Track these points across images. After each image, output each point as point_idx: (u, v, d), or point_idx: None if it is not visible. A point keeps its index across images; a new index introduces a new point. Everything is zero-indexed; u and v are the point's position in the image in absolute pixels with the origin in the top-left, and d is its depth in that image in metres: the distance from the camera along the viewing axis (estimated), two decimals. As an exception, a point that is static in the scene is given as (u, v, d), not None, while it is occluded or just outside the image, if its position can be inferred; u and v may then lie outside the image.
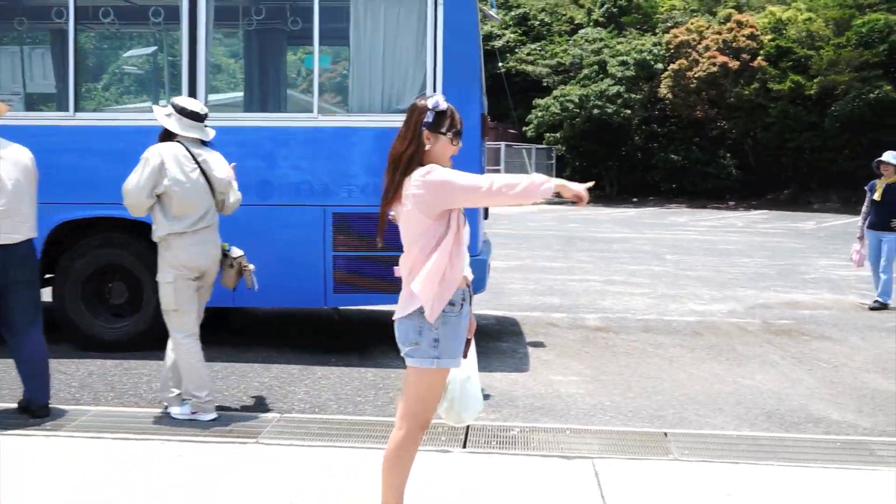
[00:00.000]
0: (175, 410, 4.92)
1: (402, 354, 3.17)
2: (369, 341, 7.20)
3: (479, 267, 6.14)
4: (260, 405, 5.37)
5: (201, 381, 4.89)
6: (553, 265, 12.84)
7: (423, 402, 3.17)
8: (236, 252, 5.16)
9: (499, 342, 7.29)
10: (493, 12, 7.59)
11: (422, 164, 3.08)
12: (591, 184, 3.16)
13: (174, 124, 4.94)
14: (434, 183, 3.02)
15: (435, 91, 6.36)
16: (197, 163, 4.91)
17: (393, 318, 3.19)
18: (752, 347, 7.36)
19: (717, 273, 12.32)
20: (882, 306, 9.44)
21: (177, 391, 5.03)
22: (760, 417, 5.33)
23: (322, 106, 6.86)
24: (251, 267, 5.20)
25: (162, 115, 5.00)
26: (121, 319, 6.71)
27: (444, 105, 3.13)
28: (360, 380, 5.98)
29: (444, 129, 3.11)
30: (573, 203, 3.20)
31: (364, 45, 6.56)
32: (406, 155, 3.09)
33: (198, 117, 4.99)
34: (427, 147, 3.09)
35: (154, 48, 8.32)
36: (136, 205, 4.84)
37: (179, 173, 4.83)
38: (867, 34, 28.66)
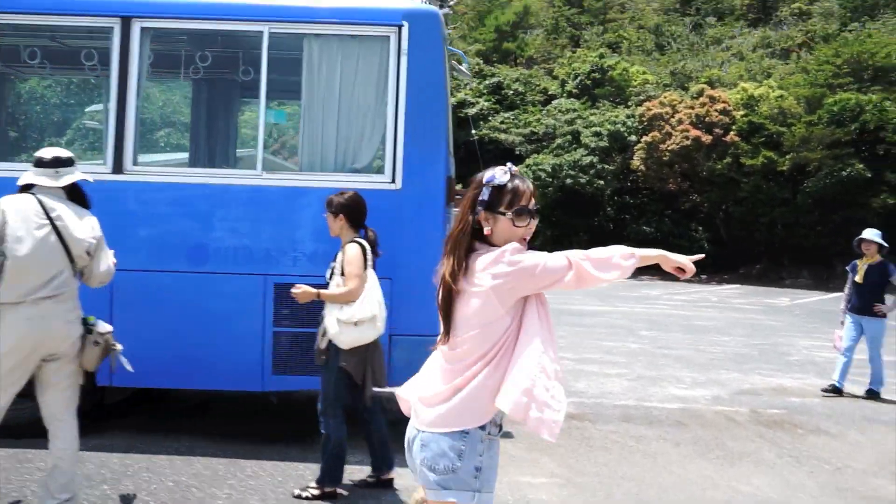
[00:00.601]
0: None
1: (422, 482, 2.44)
2: (312, 427, 6.31)
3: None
4: (172, 512, 4.49)
5: None
6: (523, 340, 12.05)
7: None
8: (103, 328, 4.30)
9: (461, 432, 6.45)
10: (463, 67, 6.96)
11: (482, 242, 2.46)
12: (699, 256, 2.55)
13: (26, 175, 4.19)
14: (526, 269, 2.39)
15: (396, 148, 5.69)
16: (49, 218, 4.09)
17: (418, 428, 2.47)
18: (743, 442, 6.61)
19: (696, 352, 11.61)
20: (874, 395, 8.80)
21: (63, 496, 4.18)
22: (764, 537, 4.56)
23: (272, 162, 6.16)
24: (119, 347, 4.35)
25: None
26: (23, 399, 5.78)
27: (501, 178, 2.51)
28: (296, 479, 5.12)
29: (502, 209, 2.48)
30: (674, 277, 2.51)
31: (317, 97, 5.87)
32: (454, 237, 2.47)
33: (40, 162, 4.19)
34: (486, 230, 2.45)
35: (83, 96, 7.60)
36: None
37: (21, 229, 4.01)
38: (839, 113, 28.76)
